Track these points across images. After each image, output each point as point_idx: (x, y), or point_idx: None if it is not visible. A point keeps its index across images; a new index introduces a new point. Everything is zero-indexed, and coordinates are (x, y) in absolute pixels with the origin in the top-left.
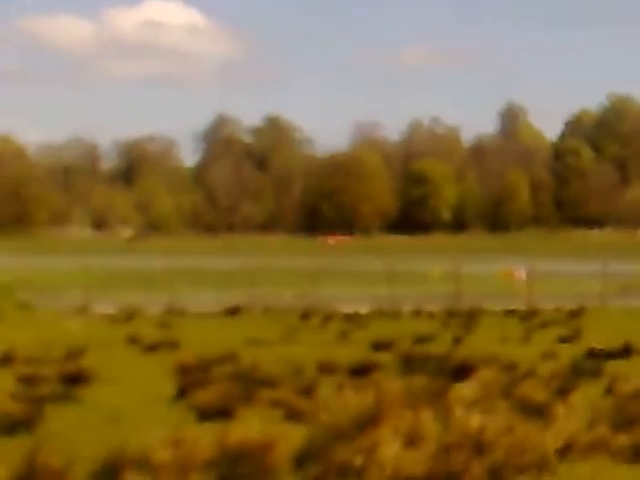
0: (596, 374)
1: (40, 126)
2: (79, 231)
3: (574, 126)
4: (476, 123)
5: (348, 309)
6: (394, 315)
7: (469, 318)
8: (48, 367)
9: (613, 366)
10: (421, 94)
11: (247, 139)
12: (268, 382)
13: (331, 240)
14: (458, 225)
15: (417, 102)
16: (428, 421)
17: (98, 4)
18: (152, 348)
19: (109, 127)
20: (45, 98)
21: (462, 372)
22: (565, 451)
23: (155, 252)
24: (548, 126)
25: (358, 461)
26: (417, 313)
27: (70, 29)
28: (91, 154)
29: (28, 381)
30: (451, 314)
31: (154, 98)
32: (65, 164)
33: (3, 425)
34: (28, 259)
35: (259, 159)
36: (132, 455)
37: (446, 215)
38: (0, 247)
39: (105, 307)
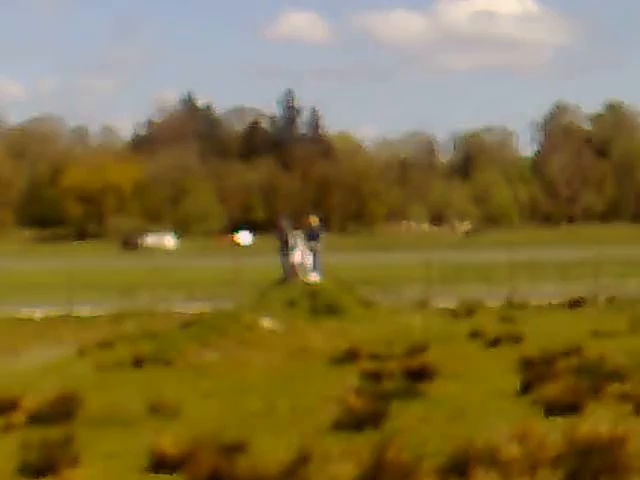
0: None
1: (377, 121)
2: (417, 226)
3: None
4: None
5: None
6: None
7: None
8: (391, 363)
9: None
10: None
11: (586, 127)
12: (615, 375)
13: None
14: None
15: None
16: None
17: None
18: (494, 342)
19: (445, 120)
20: (381, 93)
21: None
22: None
23: (493, 245)
24: None
25: None
26: None
27: (404, 24)
28: (428, 148)
29: (372, 377)
30: None
31: (489, 89)
32: (402, 159)
33: (350, 421)
34: (368, 255)
35: (599, 147)
36: (479, 451)
37: None
38: (340, 244)
39: (445, 302)
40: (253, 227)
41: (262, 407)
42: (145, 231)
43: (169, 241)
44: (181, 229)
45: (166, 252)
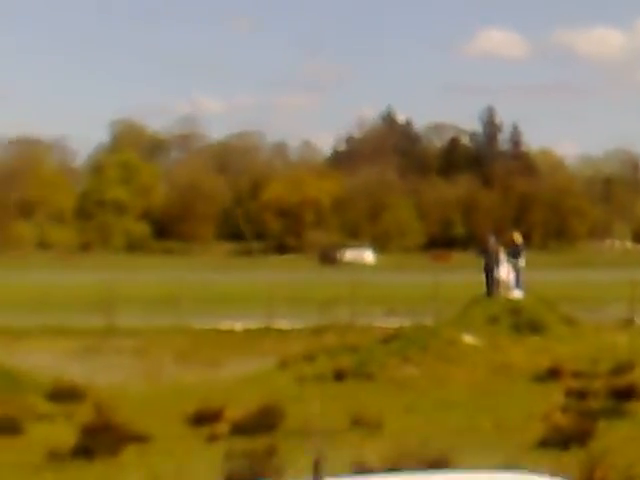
0: None
1: (578, 138)
2: (620, 244)
3: None
4: None
5: None
6: None
7: None
8: (596, 381)
9: None
10: None
11: None
12: None
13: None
14: None
15: None
16: None
17: (631, 14)
18: None
19: None
20: (582, 109)
21: None
22: None
23: None
24: None
25: None
26: None
27: (604, 40)
28: (632, 165)
29: (577, 395)
30: None
31: None
32: (605, 176)
33: (556, 439)
34: (570, 273)
35: None
36: None
37: None
38: (542, 261)
39: None
40: (452, 243)
41: (465, 423)
42: (343, 246)
43: (368, 256)
44: (379, 244)
45: (365, 267)
